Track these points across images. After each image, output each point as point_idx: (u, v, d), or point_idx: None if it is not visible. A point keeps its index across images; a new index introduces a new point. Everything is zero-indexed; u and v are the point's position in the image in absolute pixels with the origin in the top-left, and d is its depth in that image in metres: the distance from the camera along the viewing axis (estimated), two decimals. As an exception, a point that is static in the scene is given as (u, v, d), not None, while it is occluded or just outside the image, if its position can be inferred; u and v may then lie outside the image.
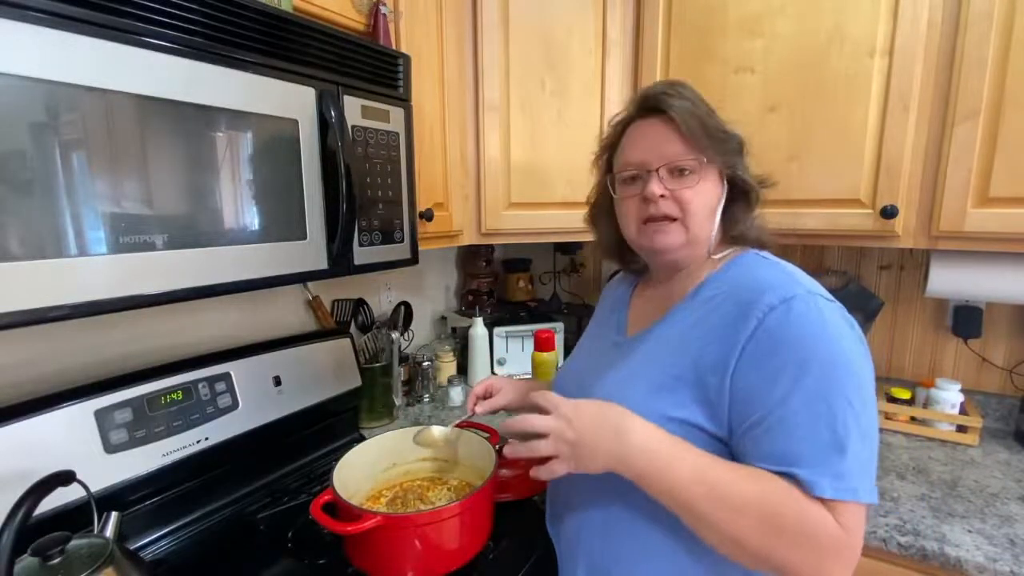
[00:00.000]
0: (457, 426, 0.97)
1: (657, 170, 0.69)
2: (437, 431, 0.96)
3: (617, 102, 1.34)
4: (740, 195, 0.72)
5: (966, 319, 1.30)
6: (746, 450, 0.60)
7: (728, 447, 0.63)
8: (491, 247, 1.80)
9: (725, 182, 0.71)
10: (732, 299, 0.65)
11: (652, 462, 0.59)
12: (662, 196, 0.69)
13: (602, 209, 0.83)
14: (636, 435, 0.60)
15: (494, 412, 0.96)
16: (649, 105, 0.72)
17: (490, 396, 0.97)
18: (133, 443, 0.84)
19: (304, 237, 0.82)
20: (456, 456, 0.98)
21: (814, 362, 0.57)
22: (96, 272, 0.60)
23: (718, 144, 0.69)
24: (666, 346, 0.69)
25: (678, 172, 0.69)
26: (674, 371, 0.65)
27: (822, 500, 0.55)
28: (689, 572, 0.66)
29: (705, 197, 0.69)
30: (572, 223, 1.36)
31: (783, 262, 0.70)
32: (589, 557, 0.73)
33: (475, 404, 0.94)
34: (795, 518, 0.55)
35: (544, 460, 0.63)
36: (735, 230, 0.72)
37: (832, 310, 0.61)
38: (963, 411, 1.25)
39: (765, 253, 0.73)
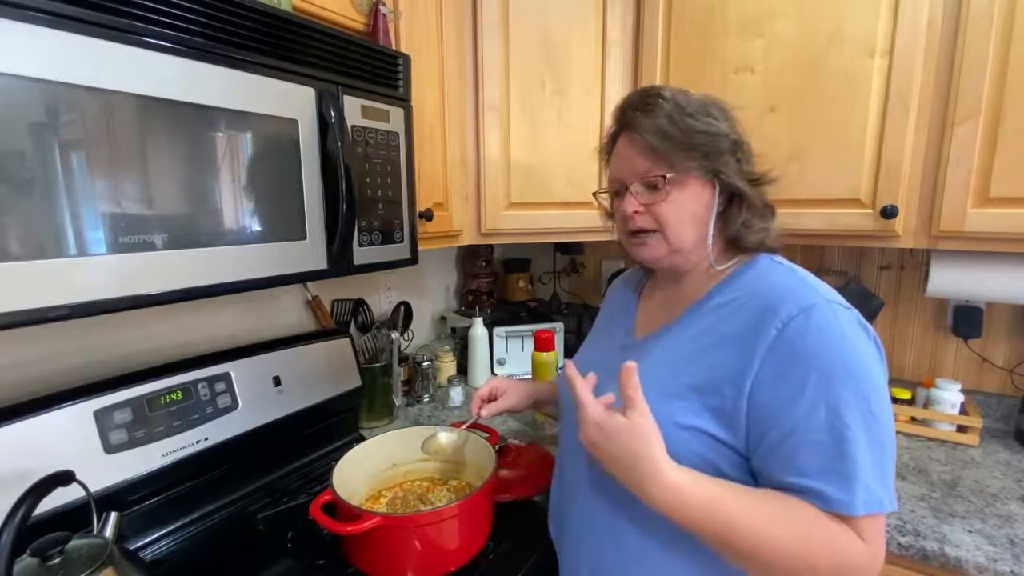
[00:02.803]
0: (458, 427, 0.97)
1: (630, 187, 0.71)
2: (444, 438, 0.95)
3: (617, 102, 1.34)
4: (736, 197, 0.71)
5: (966, 319, 1.30)
6: (771, 466, 0.60)
7: (742, 457, 0.62)
8: (491, 247, 1.80)
9: (716, 186, 0.69)
10: (748, 307, 0.64)
11: (672, 514, 0.59)
12: (636, 212, 0.70)
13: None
14: (655, 496, 0.59)
15: (499, 414, 0.96)
16: (621, 121, 0.73)
17: (494, 399, 0.97)
18: (133, 443, 0.84)
19: (304, 237, 0.82)
20: (464, 459, 0.98)
21: (836, 376, 0.57)
22: (96, 272, 0.60)
23: (693, 151, 0.67)
24: (678, 352, 0.68)
25: (651, 186, 0.70)
26: (687, 379, 0.65)
27: (849, 516, 0.56)
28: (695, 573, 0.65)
29: (683, 207, 0.69)
30: (572, 223, 1.36)
31: (797, 268, 0.69)
32: (593, 560, 0.72)
33: (480, 407, 0.94)
34: (828, 553, 0.56)
35: None
36: (728, 233, 0.71)
37: (850, 319, 0.61)
38: (963, 411, 1.25)
39: (779, 258, 0.71)
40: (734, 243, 0.72)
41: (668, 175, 0.68)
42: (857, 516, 0.56)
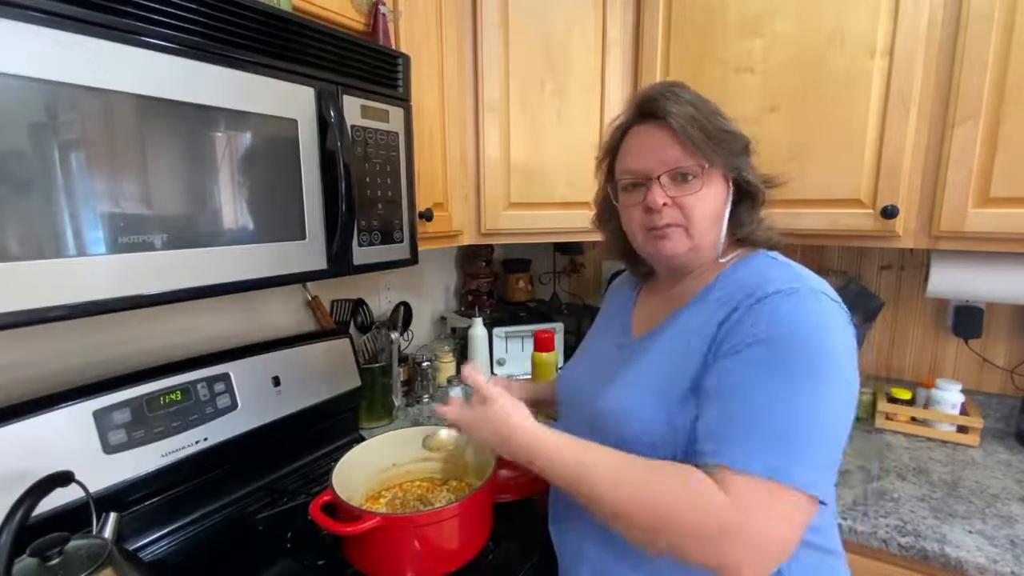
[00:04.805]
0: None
1: (658, 178, 0.68)
2: (445, 434, 0.95)
3: (617, 102, 1.34)
4: (746, 196, 0.72)
5: (967, 319, 1.30)
6: (701, 431, 0.60)
7: None
8: (491, 247, 1.80)
9: (730, 184, 0.70)
10: (736, 297, 0.64)
11: (532, 465, 0.66)
12: (664, 204, 0.68)
13: (607, 212, 0.82)
14: (517, 451, 0.67)
15: None
16: (647, 110, 0.70)
17: None
18: (132, 443, 0.83)
19: (303, 237, 0.82)
20: (465, 459, 0.98)
21: (788, 356, 0.57)
22: (95, 272, 0.60)
23: (720, 146, 0.67)
24: (673, 349, 0.68)
25: (680, 178, 0.68)
26: (682, 374, 0.65)
27: (731, 472, 0.54)
28: (696, 573, 0.65)
29: (709, 202, 0.69)
30: (572, 223, 1.36)
31: (794, 263, 0.69)
32: (593, 558, 0.72)
33: None
34: (673, 496, 0.55)
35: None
36: (741, 232, 0.71)
37: (833, 309, 0.61)
38: (964, 411, 1.25)
39: (775, 254, 0.72)
40: (739, 241, 0.73)
41: (705, 165, 0.67)
42: (744, 475, 0.53)
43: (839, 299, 0.63)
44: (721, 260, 0.72)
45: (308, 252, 0.83)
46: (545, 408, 1.05)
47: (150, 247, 0.64)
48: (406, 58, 0.99)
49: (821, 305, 0.60)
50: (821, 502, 0.55)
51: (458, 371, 1.60)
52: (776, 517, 0.54)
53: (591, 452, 0.62)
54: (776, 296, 0.60)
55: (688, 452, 0.62)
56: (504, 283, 1.89)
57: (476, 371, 0.75)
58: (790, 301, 0.59)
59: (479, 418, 0.70)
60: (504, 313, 1.77)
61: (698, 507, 0.54)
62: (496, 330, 1.63)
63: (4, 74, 0.52)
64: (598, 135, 1.34)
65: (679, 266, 0.74)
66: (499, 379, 1.00)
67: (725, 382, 0.59)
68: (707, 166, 0.67)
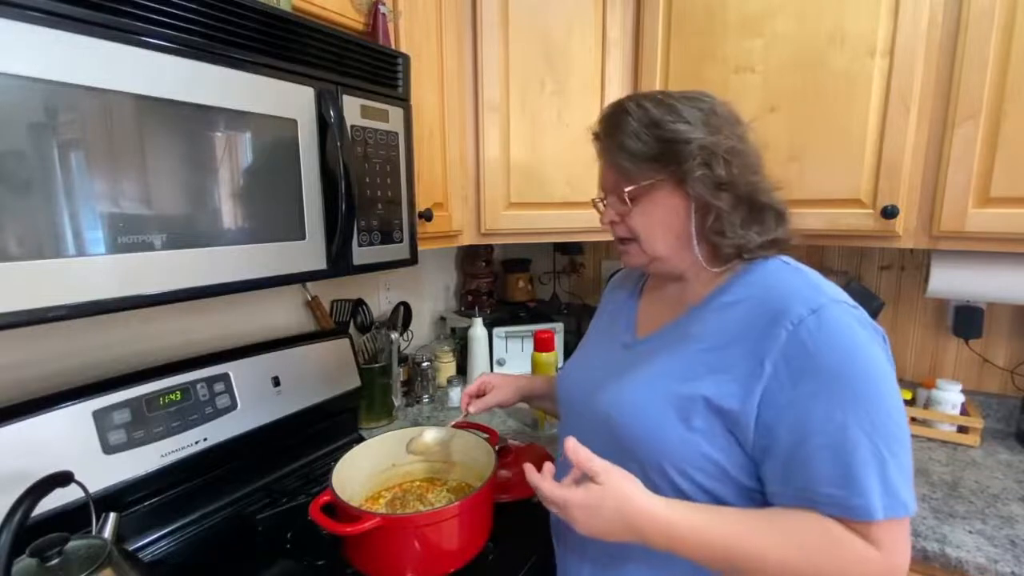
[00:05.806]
0: (455, 426, 0.97)
1: (605, 199, 0.74)
2: (429, 436, 0.95)
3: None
4: (710, 206, 0.67)
5: (967, 319, 1.30)
6: (787, 472, 0.59)
7: (748, 459, 0.62)
8: (491, 247, 1.80)
9: (692, 194, 0.67)
10: (754, 308, 0.64)
11: (675, 549, 0.59)
12: (613, 223, 0.73)
13: None
14: (656, 540, 0.59)
15: (488, 409, 0.96)
16: (594, 136, 0.76)
17: (484, 394, 0.97)
18: (131, 444, 0.83)
19: (303, 237, 0.82)
20: (450, 457, 0.98)
21: (850, 381, 0.57)
22: (95, 272, 0.59)
23: (656, 162, 0.67)
24: (684, 351, 0.67)
25: (623, 199, 0.70)
26: (693, 379, 0.64)
27: (868, 523, 0.55)
28: (700, 573, 0.65)
29: (653, 217, 0.69)
30: (572, 223, 1.36)
31: (806, 269, 0.69)
32: (595, 559, 0.72)
33: (468, 403, 0.95)
34: (833, 564, 0.56)
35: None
36: (726, 242, 0.68)
37: (859, 319, 0.61)
38: (964, 412, 1.24)
39: (785, 258, 0.71)
40: (713, 247, 0.70)
41: (627, 189, 0.69)
42: (877, 522, 0.55)
43: (855, 303, 0.63)
44: (716, 270, 0.70)
45: (308, 252, 0.83)
46: (538, 403, 1.05)
47: (150, 247, 0.64)
48: (406, 58, 0.99)
49: (848, 318, 0.60)
50: None
51: (458, 371, 1.60)
52: (907, 548, 0.58)
53: (734, 526, 0.58)
54: (809, 320, 0.59)
55: (694, 454, 0.62)
56: (504, 283, 1.89)
57: (578, 445, 0.61)
58: (823, 324, 0.59)
59: (592, 504, 0.58)
60: (504, 313, 1.77)
61: (855, 568, 0.56)
62: (496, 330, 1.63)
63: (4, 74, 0.51)
64: (598, 135, 1.34)
65: (659, 274, 0.76)
66: (489, 374, 1.00)
67: (805, 435, 0.58)
68: (629, 189, 0.69)
